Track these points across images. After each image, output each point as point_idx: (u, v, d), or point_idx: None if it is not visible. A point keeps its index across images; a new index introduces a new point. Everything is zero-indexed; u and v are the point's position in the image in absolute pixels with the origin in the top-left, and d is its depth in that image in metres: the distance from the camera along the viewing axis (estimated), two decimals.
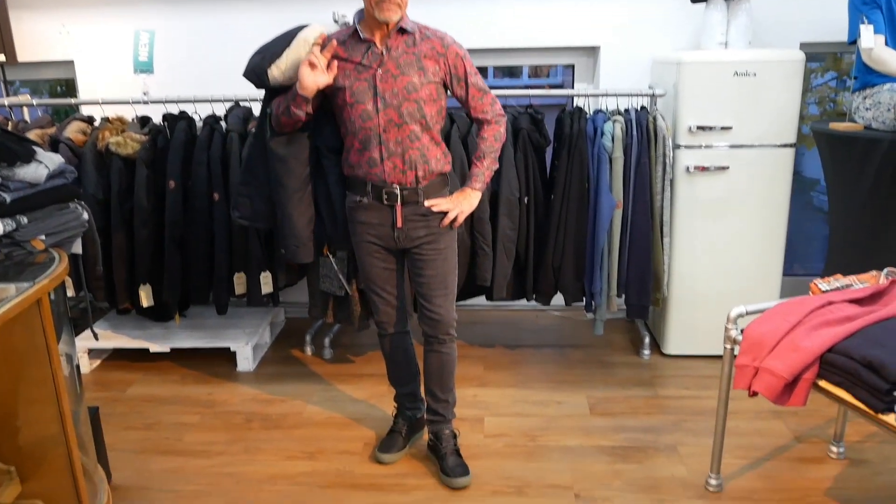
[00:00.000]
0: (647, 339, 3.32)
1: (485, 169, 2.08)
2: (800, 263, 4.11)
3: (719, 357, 3.25)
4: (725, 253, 3.10)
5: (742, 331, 2.18)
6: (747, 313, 2.26)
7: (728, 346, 2.27)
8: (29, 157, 1.78)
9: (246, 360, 3.25)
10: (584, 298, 3.09)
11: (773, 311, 2.17)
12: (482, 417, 2.77)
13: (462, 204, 2.09)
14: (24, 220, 1.75)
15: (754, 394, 2.04)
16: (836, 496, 2.25)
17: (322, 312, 3.24)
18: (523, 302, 3.85)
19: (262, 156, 2.40)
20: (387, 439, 2.54)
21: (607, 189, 2.93)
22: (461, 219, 2.10)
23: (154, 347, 3.21)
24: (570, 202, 2.95)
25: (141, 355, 3.41)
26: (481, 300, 3.73)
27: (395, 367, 2.46)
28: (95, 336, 2.32)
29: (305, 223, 2.36)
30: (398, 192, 2.03)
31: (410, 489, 2.35)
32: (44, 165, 1.81)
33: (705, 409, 2.83)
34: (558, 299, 3.72)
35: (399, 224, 2.07)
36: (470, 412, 2.82)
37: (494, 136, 2.08)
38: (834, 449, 2.58)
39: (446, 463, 2.25)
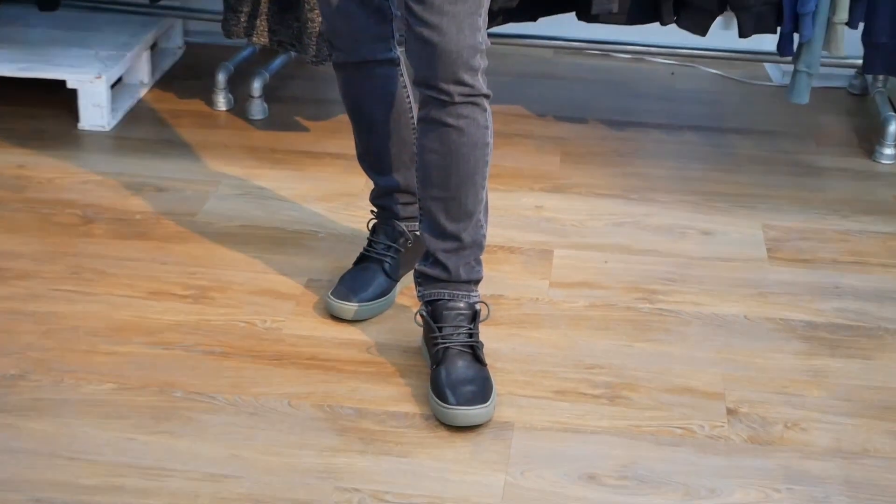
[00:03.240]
0: (891, 127, 3.11)
1: None
2: None
3: None
4: None
5: None
6: None
7: None
8: None
9: (98, 111, 3.11)
10: (779, 29, 2.84)
11: None
12: (549, 250, 2.62)
13: None
14: None
15: None
16: None
17: (247, 27, 2.97)
18: (651, 34, 3.37)
19: None
20: (352, 276, 2.35)
21: None
22: None
23: None
24: None
25: None
26: (565, 23, 3.25)
27: (368, 131, 2.28)
28: None
29: None
30: None
31: (389, 375, 2.17)
32: None
33: None
34: (722, 39, 3.30)
35: None
36: (527, 238, 2.65)
37: None
38: None
39: (447, 372, 2.03)
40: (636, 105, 3.43)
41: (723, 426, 2.04)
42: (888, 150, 3.09)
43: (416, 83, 1.98)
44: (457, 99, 1.95)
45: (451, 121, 1.97)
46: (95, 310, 2.33)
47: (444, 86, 1.94)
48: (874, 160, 3.09)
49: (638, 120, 3.32)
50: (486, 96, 1.98)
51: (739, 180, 2.97)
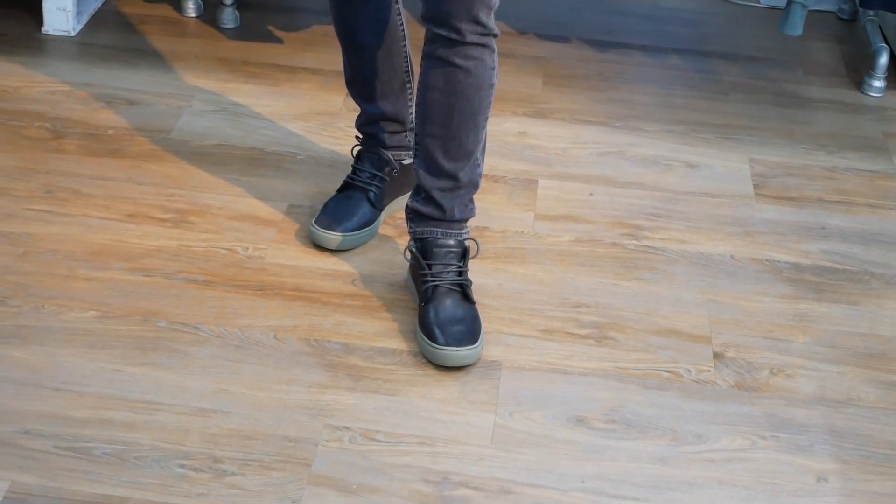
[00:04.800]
0: (881, 59, 3.14)
1: None
2: None
3: None
4: None
5: None
6: None
7: None
8: None
9: (62, 14, 3.10)
10: None
11: None
12: (533, 179, 2.65)
13: None
14: None
15: None
16: None
17: None
18: None
19: None
20: (336, 204, 2.38)
21: None
22: None
23: None
24: None
25: None
26: None
27: (359, 57, 2.28)
28: None
29: None
30: None
31: (375, 309, 2.21)
32: None
33: None
34: None
35: None
36: (511, 167, 2.69)
37: None
38: None
39: (436, 311, 2.07)
40: (619, 24, 3.44)
41: (709, 371, 2.12)
42: (877, 83, 3.13)
43: (426, 19, 1.98)
44: (468, 39, 1.96)
45: (459, 61, 1.99)
46: (72, 232, 2.35)
47: (458, 24, 1.95)
48: (862, 92, 3.14)
49: (621, 40, 3.34)
50: (496, 36, 2.00)
51: (725, 110, 3.01)
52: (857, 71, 3.23)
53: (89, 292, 2.19)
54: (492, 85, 2.04)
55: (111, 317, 2.13)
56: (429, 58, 2.02)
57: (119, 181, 2.52)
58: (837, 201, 2.66)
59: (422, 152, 2.10)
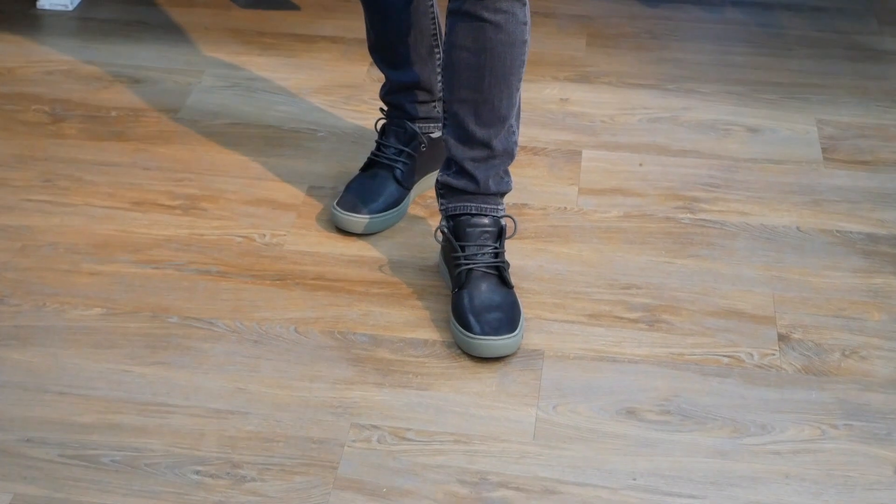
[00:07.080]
0: None
1: None
2: None
3: None
4: None
5: None
6: None
7: None
8: None
9: None
10: None
11: None
12: (577, 150, 2.67)
13: None
14: None
15: None
16: None
17: None
18: None
19: None
20: (360, 184, 2.40)
21: None
22: None
23: None
24: None
25: None
26: None
27: (382, 19, 2.30)
28: None
29: None
30: None
31: (405, 297, 2.23)
32: None
33: None
34: None
35: None
36: (552, 137, 2.70)
37: None
38: None
39: (471, 296, 2.09)
40: None
41: (774, 354, 2.12)
42: None
43: None
44: None
45: (487, 15, 2.00)
46: (74, 223, 2.38)
47: None
48: None
49: None
50: None
51: (789, 67, 3.01)
52: None
53: (94, 288, 2.22)
54: (524, 41, 2.04)
55: (118, 313, 2.16)
56: (454, 14, 2.03)
57: (124, 166, 2.55)
58: None
59: (451, 120, 2.11)
